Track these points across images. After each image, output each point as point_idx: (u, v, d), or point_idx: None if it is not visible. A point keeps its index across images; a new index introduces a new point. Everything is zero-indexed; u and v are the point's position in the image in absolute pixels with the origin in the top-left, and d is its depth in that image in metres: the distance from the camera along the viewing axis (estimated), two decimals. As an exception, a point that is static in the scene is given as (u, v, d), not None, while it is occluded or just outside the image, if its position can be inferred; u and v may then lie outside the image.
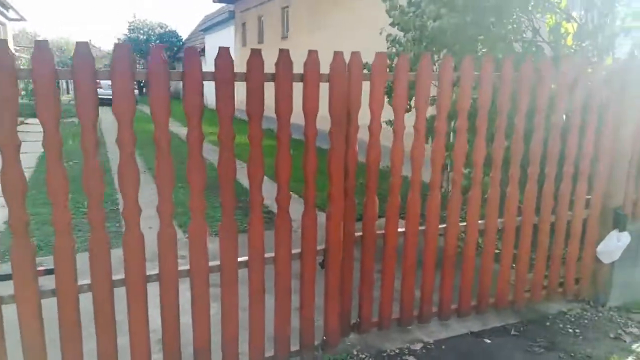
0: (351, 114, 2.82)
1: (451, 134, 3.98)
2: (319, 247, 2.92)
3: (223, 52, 2.51)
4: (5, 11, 13.63)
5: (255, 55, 2.57)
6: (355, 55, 2.80)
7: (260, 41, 16.87)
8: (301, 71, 2.68)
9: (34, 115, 15.33)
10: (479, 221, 3.37)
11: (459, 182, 3.24)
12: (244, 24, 18.82)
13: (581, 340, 3.25)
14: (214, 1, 20.41)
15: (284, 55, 2.63)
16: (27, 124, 14.27)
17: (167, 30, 35.14)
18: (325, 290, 2.99)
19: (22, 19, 15.26)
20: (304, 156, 2.77)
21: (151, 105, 2.43)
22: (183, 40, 33.95)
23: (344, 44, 2.83)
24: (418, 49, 4.51)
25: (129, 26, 35.23)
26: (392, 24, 4.93)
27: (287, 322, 2.92)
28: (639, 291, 3.76)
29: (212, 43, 22.56)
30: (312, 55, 2.68)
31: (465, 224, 3.34)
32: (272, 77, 2.63)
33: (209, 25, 23.33)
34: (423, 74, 3.00)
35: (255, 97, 2.58)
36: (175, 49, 32.03)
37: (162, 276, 2.60)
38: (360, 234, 3.05)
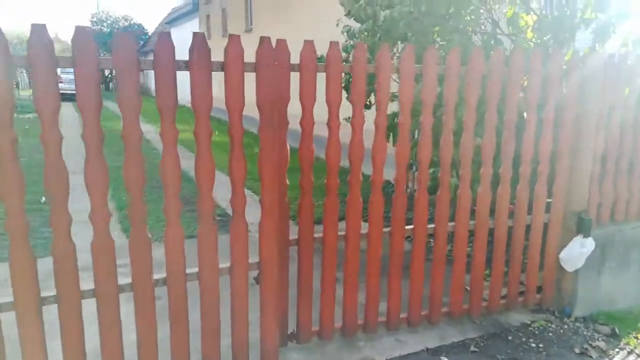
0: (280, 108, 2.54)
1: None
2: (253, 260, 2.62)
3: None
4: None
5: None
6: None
7: (224, 34, 16.39)
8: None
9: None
10: (428, 225, 3.12)
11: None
12: (207, 16, 18.31)
13: (545, 357, 3.02)
14: (178, -8, 19.83)
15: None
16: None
17: (132, 22, 34.16)
18: (261, 306, 2.68)
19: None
20: (229, 158, 2.44)
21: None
22: (149, 34, 33.04)
23: (307, 37, 2.53)
24: (372, 40, 4.23)
25: (92, 18, 34.16)
26: (347, 15, 4.63)
27: (214, 342, 2.60)
28: (605, 301, 3.55)
29: (177, 35, 21.90)
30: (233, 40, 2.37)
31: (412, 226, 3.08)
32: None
33: (174, 17, 22.74)
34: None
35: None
36: (142, 42, 31.13)
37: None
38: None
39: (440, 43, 4.07)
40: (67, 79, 22.71)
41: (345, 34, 4.78)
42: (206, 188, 2.39)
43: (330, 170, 2.74)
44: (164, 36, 2.25)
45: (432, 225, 3.14)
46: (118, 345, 2.36)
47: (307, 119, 2.61)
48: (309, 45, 2.57)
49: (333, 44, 2.61)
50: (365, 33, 4.26)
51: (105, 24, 33.29)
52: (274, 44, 2.44)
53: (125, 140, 2.22)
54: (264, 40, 2.41)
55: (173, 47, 2.24)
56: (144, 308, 2.37)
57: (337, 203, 2.82)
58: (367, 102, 4.27)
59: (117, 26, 33.23)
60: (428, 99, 2.89)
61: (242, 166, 2.45)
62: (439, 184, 3.07)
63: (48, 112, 2.06)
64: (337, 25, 4.94)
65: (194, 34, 2.30)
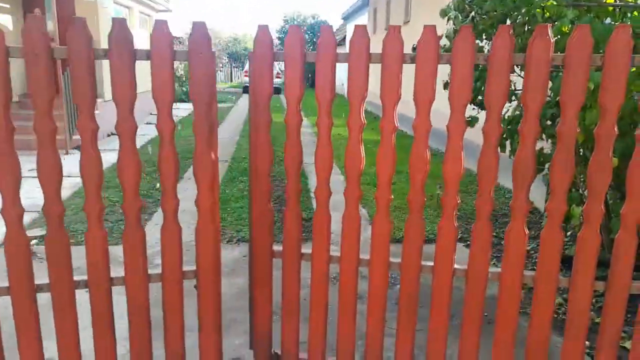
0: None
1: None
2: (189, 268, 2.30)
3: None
4: (152, 3, 14.88)
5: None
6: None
7: (386, 27, 16.05)
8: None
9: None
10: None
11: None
12: (375, 10, 18.21)
13: None
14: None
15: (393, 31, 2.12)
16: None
17: (318, 19, 36.01)
18: (199, 324, 2.36)
19: (167, 10, 16.58)
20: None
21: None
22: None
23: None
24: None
25: (284, 17, 37.03)
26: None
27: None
28: None
29: (351, 31, 22.32)
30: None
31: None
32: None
33: (349, 13, 23.17)
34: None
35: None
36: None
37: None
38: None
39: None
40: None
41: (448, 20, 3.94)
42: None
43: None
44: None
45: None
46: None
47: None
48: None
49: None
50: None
51: (295, 22, 35.77)
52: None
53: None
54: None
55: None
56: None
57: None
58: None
59: (305, 23, 35.40)
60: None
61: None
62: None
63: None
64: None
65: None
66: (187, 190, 4.17)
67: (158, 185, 5.99)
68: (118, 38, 2.00)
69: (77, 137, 7.91)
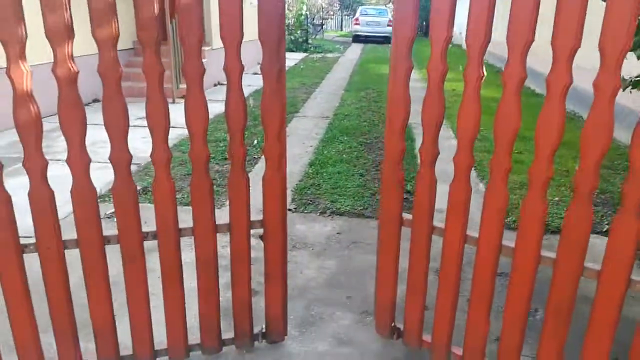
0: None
1: None
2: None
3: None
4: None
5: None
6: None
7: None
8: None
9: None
10: None
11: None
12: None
13: None
14: None
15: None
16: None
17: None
18: (265, 274, 2.34)
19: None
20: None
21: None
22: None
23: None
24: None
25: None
26: None
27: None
28: None
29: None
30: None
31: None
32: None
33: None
34: None
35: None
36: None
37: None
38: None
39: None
40: (363, 21, 24.32)
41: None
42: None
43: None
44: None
45: None
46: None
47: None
48: None
49: None
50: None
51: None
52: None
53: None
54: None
55: None
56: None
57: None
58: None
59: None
60: None
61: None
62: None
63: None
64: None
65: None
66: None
67: (255, 141, 5.91)
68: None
69: (183, 86, 8.24)
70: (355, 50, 19.61)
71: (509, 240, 2.02)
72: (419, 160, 2.14)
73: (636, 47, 2.78)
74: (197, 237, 2.17)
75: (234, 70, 1.97)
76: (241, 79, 1.99)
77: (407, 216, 2.27)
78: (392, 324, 2.45)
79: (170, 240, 2.13)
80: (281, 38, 1.98)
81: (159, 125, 1.96)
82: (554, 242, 2.04)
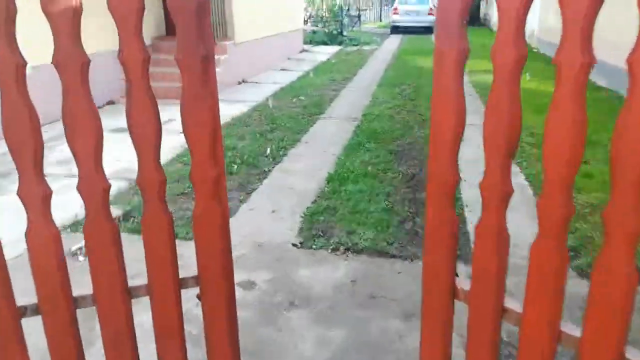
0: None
1: None
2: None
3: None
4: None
5: None
6: None
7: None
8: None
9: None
10: None
11: None
12: None
13: None
14: None
15: None
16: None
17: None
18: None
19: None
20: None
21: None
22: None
23: None
24: None
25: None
26: None
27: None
28: None
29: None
30: None
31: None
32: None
33: None
34: None
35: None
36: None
37: None
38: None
39: None
40: (402, 10, 23.13)
41: None
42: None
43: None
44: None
45: None
46: None
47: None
48: None
49: None
50: None
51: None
52: None
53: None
54: None
55: None
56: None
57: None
58: None
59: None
60: None
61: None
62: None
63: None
64: None
65: None
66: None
67: (268, 150, 5.16)
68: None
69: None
70: (393, 42, 18.53)
71: None
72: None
73: None
74: (100, 305, 1.45)
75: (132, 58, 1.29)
76: (146, 70, 1.38)
77: (463, 285, 1.46)
78: None
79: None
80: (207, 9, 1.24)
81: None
82: None
